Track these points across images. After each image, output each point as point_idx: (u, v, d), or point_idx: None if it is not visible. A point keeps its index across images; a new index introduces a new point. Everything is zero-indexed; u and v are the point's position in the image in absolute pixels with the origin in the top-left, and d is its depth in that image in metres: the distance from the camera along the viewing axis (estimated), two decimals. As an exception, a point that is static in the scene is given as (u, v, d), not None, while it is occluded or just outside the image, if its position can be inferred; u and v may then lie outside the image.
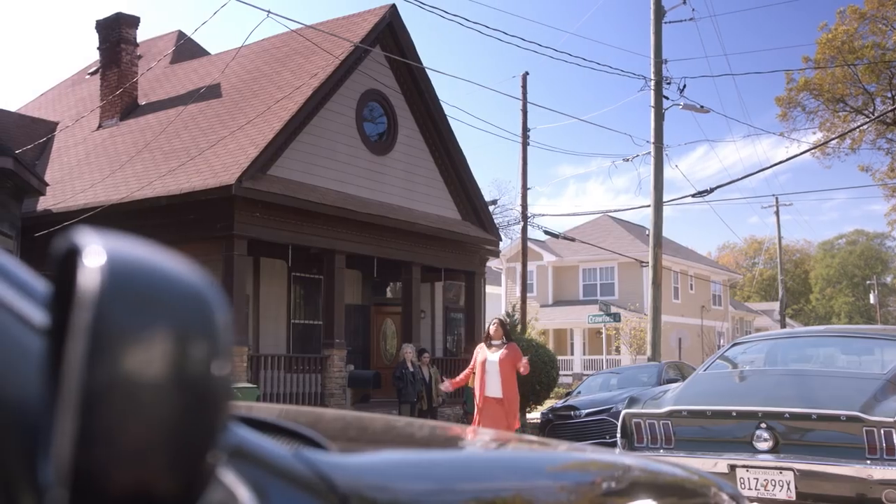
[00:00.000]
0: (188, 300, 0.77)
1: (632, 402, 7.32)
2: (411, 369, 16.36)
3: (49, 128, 22.08)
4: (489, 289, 31.79)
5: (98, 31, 21.26)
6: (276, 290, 19.14)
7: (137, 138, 19.10)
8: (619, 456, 2.02)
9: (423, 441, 1.92)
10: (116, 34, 20.77)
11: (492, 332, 9.81)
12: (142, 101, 21.22)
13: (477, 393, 9.86)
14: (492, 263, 34.91)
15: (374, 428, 2.01)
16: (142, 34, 21.86)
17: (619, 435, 7.15)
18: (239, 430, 1.09)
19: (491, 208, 26.04)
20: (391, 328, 21.81)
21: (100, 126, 20.92)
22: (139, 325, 0.74)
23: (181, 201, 15.55)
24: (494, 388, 9.63)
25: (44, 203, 17.26)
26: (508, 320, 19.35)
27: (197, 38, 34.21)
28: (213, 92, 18.89)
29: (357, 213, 17.08)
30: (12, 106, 33.95)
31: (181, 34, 24.11)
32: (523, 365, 9.67)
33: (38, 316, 0.87)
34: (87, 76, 25.82)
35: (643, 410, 7.01)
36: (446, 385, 10.57)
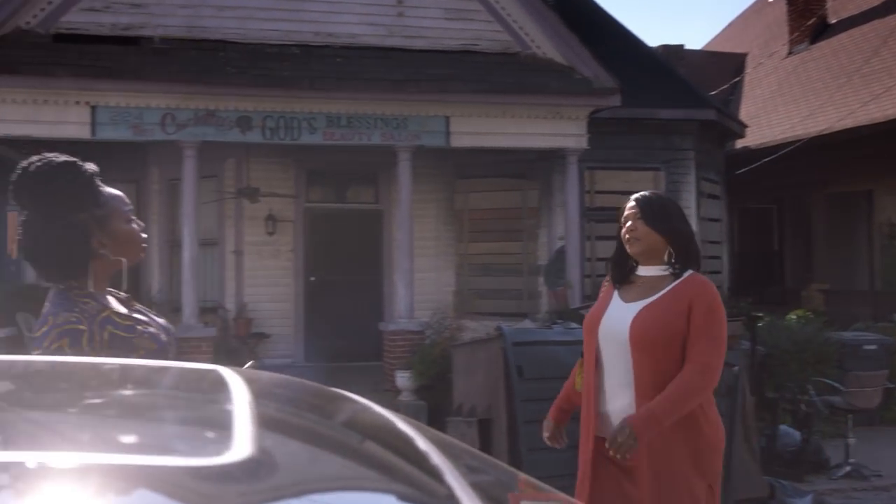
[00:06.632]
0: None
1: None
2: None
3: (737, 61, 22.40)
4: None
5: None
6: None
7: (831, 62, 18.29)
8: None
9: None
10: (801, -45, 20.09)
11: (626, 236, 3.34)
12: (832, 20, 20.23)
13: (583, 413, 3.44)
14: None
15: None
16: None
17: None
18: None
19: None
20: None
21: (790, 53, 20.51)
22: None
23: (885, 129, 14.47)
24: (618, 407, 3.27)
25: (741, 141, 17.59)
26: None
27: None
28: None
29: None
30: (697, 44, 35.29)
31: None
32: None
33: None
34: (770, 0, 25.52)
35: None
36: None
